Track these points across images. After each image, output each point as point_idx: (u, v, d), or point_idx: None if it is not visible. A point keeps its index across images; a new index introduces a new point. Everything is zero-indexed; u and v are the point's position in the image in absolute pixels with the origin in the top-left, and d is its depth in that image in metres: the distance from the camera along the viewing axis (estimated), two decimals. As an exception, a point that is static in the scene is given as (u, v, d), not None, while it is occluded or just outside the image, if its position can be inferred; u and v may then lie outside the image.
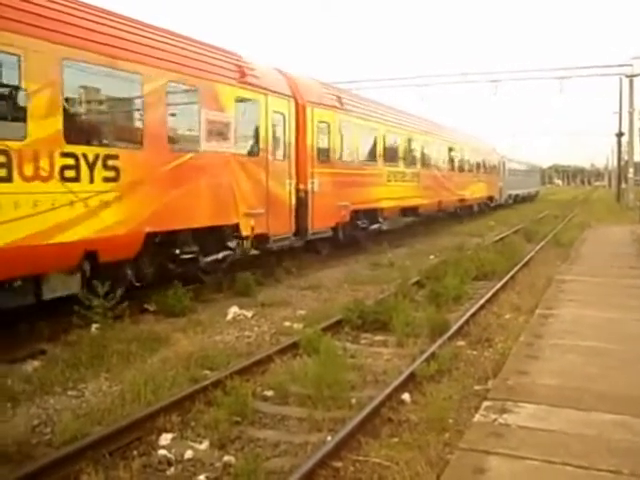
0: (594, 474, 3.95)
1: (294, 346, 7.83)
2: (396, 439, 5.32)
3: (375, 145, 18.96)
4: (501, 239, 20.32)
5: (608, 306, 9.08)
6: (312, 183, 14.56)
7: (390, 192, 19.58)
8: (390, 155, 19.90)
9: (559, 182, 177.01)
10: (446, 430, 5.38)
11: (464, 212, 30.76)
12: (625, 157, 47.02)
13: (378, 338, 8.76)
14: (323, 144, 15.47)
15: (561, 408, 5.08)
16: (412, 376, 6.70)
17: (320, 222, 14.93)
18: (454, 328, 8.60)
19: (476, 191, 31.98)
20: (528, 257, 16.09)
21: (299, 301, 11.35)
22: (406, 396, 6.25)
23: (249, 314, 10.09)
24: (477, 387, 6.50)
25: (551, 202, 52.82)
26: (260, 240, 12.97)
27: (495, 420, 4.82)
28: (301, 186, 14.28)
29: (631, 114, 41.15)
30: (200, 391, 6.17)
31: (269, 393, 6.47)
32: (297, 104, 14.28)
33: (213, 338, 8.69)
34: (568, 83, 36.41)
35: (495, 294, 11.38)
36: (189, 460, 5.04)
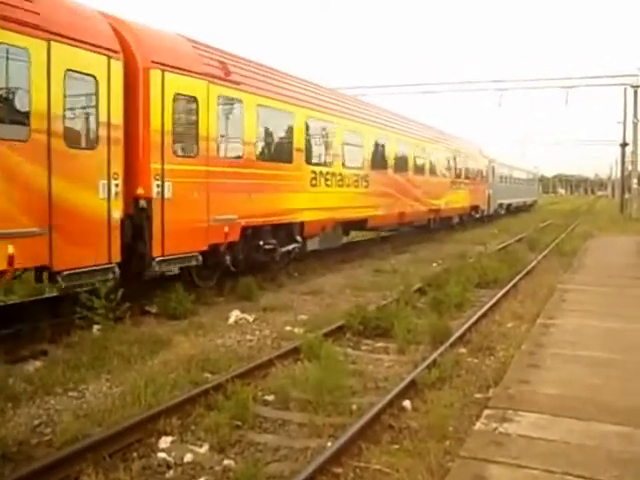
0: (595, 484, 3.94)
1: (295, 351, 7.82)
2: (396, 446, 5.31)
3: (290, 136, 13.79)
4: (504, 247, 20.29)
5: (610, 316, 9.07)
6: (160, 186, 9.78)
7: (317, 200, 14.54)
8: (317, 151, 15.15)
9: (562, 191, 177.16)
10: (447, 438, 5.36)
11: (440, 225, 25.88)
12: (629, 167, 46.98)
13: (379, 344, 8.74)
14: (186, 129, 10.64)
15: (562, 418, 5.07)
16: (413, 383, 6.69)
17: (178, 245, 10.15)
18: (456, 335, 8.58)
19: (455, 200, 26.87)
20: (531, 266, 16.06)
21: (301, 306, 11.34)
22: (407, 403, 6.24)
23: (251, 318, 10.09)
24: (478, 395, 6.49)
25: (553, 212, 52.51)
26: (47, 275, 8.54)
27: (496, 429, 4.82)
28: (140, 191, 9.64)
29: (635, 124, 41.15)
30: (201, 394, 6.17)
31: (270, 397, 6.46)
32: (131, 64, 9.56)
33: (214, 341, 8.68)
34: (573, 93, 36.50)
35: (497, 302, 11.36)
36: (189, 463, 5.03)
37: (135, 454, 5.17)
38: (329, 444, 5.22)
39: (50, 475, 4.60)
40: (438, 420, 5.60)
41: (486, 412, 5.24)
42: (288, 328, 9.43)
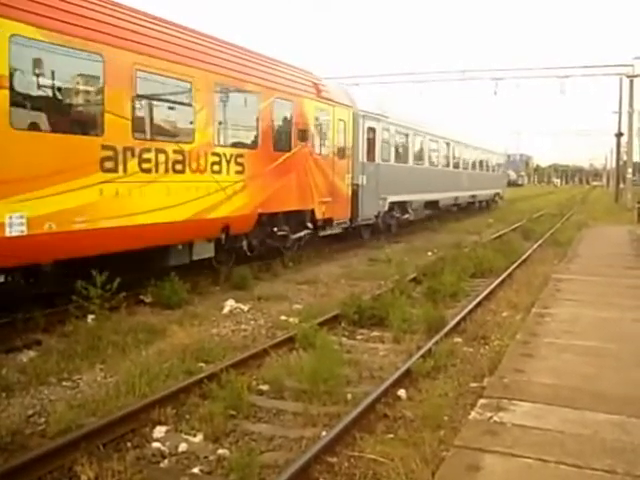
0: (588, 473, 3.94)
1: (290, 340, 7.82)
2: (391, 435, 5.31)
3: None
4: (499, 237, 20.30)
5: (605, 305, 9.08)
6: None
7: None
8: None
9: (557, 181, 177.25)
10: (441, 427, 5.37)
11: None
12: (624, 157, 47.04)
13: (375, 334, 8.74)
14: None
15: (556, 407, 5.07)
16: (408, 372, 6.69)
17: None
18: (451, 325, 8.60)
19: (166, 201, 9.94)
20: (525, 255, 16.08)
21: (296, 295, 11.33)
22: (402, 392, 6.25)
23: (245, 307, 10.08)
24: (473, 384, 6.50)
25: (548, 202, 52.31)
26: None
27: (490, 418, 4.81)
28: None
29: (630, 114, 41.17)
30: (195, 384, 6.16)
31: (264, 387, 6.46)
32: None
33: (209, 331, 8.67)
34: (569, 82, 36.34)
35: (492, 292, 11.37)
36: (183, 453, 5.03)
37: (129, 444, 5.16)
38: (324, 433, 5.22)
39: (44, 465, 4.59)
40: (433, 409, 5.61)
41: (481, 401, 5.23)
42: (283, 317, 9.42)
